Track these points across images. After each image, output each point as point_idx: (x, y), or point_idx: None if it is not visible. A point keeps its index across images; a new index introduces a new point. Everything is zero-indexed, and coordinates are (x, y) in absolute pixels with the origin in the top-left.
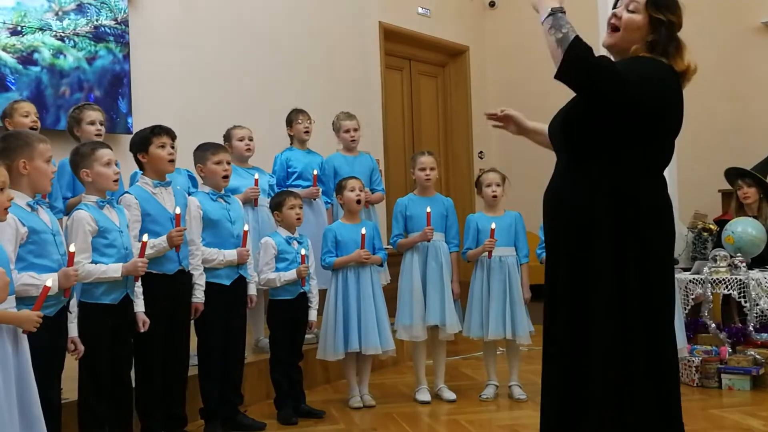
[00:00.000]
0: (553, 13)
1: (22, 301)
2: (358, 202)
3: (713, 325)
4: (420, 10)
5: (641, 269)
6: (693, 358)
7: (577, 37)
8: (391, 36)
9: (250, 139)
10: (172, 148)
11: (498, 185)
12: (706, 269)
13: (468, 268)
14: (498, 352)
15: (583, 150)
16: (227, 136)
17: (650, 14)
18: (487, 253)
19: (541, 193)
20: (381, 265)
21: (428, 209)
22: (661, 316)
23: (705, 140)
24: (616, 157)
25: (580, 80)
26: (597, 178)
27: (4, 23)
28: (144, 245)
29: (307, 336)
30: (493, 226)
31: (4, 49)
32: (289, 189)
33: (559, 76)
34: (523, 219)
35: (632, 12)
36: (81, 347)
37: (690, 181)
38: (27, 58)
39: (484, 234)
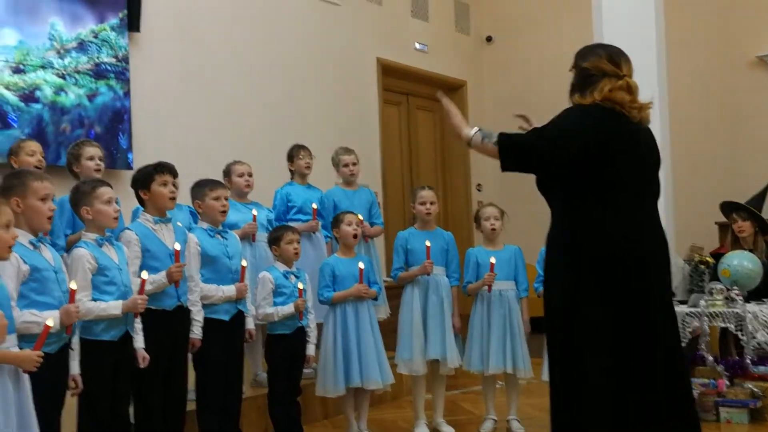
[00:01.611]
0: (479, 129)
1: (24, 338)
2: (355, 236)
3: (711, 358)
4: (417, 45)
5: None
6: None
7: (500, 133)
8: (388, 71)
9: (250, 175)
10: (174, 185)
11: (497, 219)
12: (702, 302)
13: (468, 302)
14: (497, 386)
15: (549, 201)
16: (227, 172)
17: (573, 67)
18: (487, 287)
19: (539, 226)
20: (376, 299)
21: (427, 243)
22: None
23: (701, 173)
24: (567, 203)
25: (516, 162)
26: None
27: (7, 61)
28: (143, 282)
29: (305, 370)
30: (493, 260)
31: (6, 87)
32: (288, 224)
33: (505, 167)
34: (522, 253)
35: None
36: (81, 385)
37: (686, 214)
38: (29, 96)
39: (484, 268)
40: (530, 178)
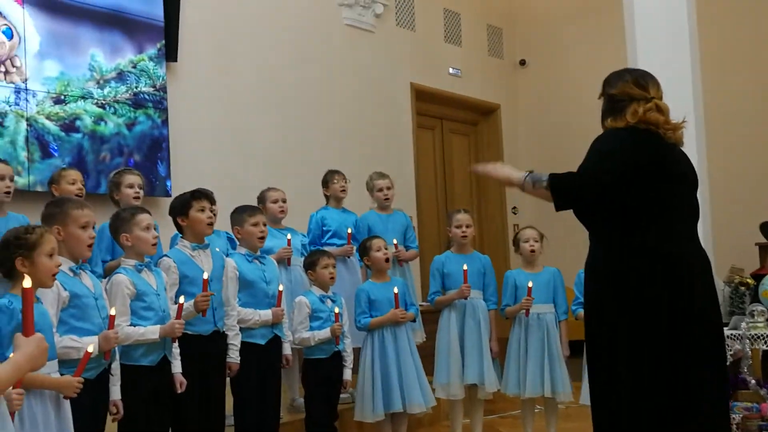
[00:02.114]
0: (528, 173)
1: (64, 364)
2: (387, 260)
3: (753, 381)
4: (451, 70)
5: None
6: (734, 415)
7: (550, 175)
8: (422, 96)
9: (284, 201)
10: (211, 212)
11: (536, 241)
12: (743, 324)
13: (506, 326)
14: (536, 410)
15: (587, 225)
16: (261, 198)
17: (602, 95)
18: (524, 311)
19: (576, 248)
20: (414, 321)
21: (465, 267)
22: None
23: (740, 194)
24: (607, 226)
25: (568, 201)
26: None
27: (48, 92)
28: (180, 307)
29: (342, 395)
30: (530, 284)
31: (48, 117)
32: (323, 248)
33: (558, 207)
34: (561, 275)
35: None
36: (122, 411)
37: (726, 235)
38: (69, 126)
39: (522, 291)
40: None
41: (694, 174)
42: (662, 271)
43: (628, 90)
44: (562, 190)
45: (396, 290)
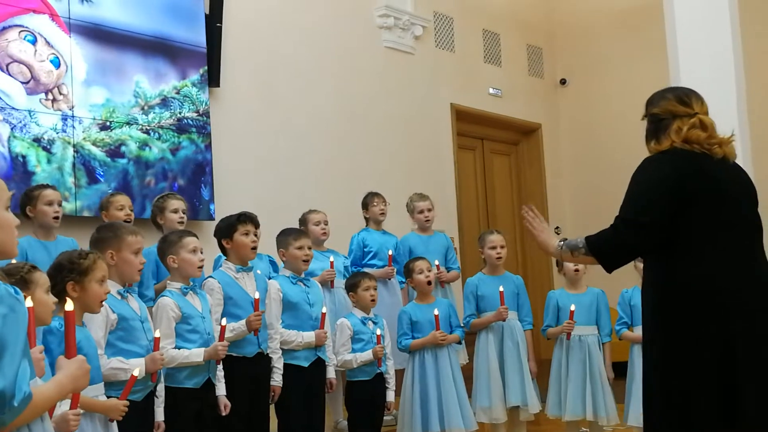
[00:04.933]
0: (563, 242)
1: (112, 386)
2: (429, 282)
3: None
4: (491, 90)
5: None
6: None
7: (586, 239)
8: (463, 117)
9: (326, 223)
10: (255, 236)
11: None
12: None
13: (545, 346)
14: None
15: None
16: (303, 221)
17: (645, 116)
18: (566, 334)
19: (621, 269)
20: (459, 343)
21: (501, 288)
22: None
23: None
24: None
25: (617, 259)
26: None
27: (94, 119)
28: (223, 329)
29: (385, 417)
30: (573, 308)
31: (94, 144)
32: (364, 270)
33: (609, 269)
34: (605, 296)
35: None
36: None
37: None
38: (115, 151)
39: (564, 311)
40: (609, 221)
41: (753, 188)
42: (713, 294)
43: (671, 108)
44: (606, 252)
45: (436, 312)
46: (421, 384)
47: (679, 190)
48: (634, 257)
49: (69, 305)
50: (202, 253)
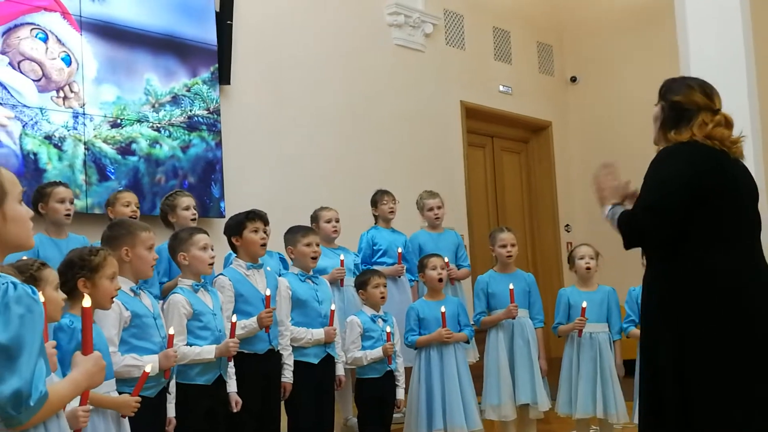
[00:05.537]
0: (612, 206)
1: (125, 382)
2: (440, 280)
3: None
4: (501, 88)
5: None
6: None
7: (621, 213)
8: (472, 114)
9: (337, 221)
10: (265, 233)
11: (591, 258)
12: None
13: (556, 344)
14: (591, 431)
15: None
16: (314, 218)
17: (661, 102)
18: (577, 331)
19: (629, 266)
20: (467, 342)
21: (511, 286)
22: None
23: None
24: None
25: (634, 238)
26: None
27: (105, 117)
28: (234, 326)
29: (395, 415)
30: (584, 305)
31: (105, 141)
32: (374, 268)
33: (625, 247)
34: (616, 294)
35: (655, 106)
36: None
37: None
38: (125, 149)
39: (575, 309)
40: None
41: (756, 187)
42: (721, 290)
43: (695, 98)
44: (624, 231)
45: (443, 309)
46: (426, 382)
47: (697, 185)
48: (648, 244)
49: (87, 301)
50: (212, 250)
